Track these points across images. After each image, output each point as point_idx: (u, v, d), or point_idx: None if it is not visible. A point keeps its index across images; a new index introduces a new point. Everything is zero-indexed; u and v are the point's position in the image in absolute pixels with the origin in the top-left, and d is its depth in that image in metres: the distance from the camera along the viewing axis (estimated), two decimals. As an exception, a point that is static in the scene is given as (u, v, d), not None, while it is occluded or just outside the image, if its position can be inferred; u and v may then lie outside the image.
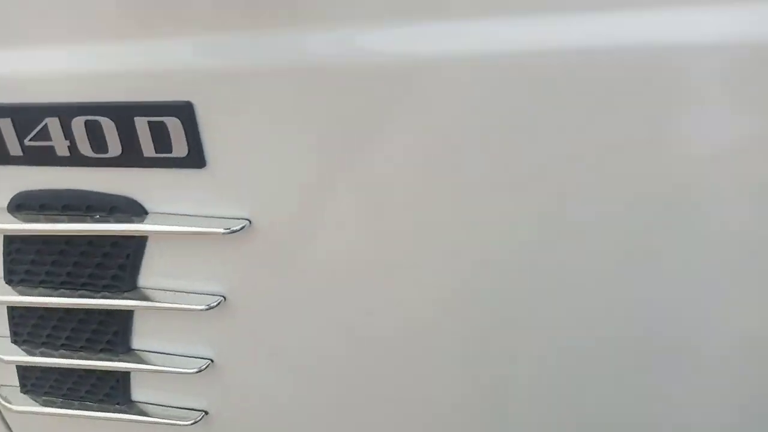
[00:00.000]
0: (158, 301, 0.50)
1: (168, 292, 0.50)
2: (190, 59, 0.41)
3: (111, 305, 0.51)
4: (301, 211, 0.45)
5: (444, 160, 0.42)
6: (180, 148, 0.43)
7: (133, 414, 0.57)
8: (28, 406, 0.61)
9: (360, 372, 0.54)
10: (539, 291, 0.46)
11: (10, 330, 0.57)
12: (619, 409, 0.52)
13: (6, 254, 0.52)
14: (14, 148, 0.46)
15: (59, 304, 0.52)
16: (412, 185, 0.43)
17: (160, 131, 0.42)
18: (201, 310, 0.49)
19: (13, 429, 0.68)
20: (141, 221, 0.46)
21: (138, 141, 0.43)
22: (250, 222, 0.45)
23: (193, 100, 0.41)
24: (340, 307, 0.50)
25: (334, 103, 0.41)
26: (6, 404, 0.61)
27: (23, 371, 0.60)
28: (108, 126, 0.43)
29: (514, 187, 0.42)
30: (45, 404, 0.60)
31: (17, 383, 0.62)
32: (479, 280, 0.47)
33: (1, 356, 0.57)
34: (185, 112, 0.42)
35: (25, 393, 0.61)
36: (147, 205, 0.46)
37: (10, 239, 0.51)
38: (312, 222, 0.45)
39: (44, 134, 0.45)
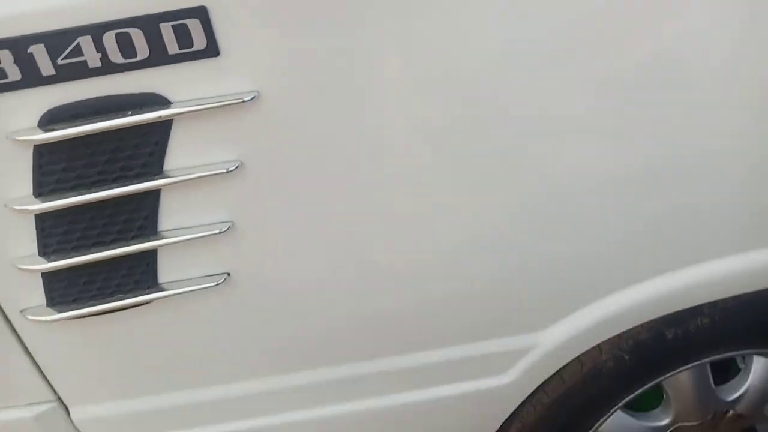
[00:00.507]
0: (184, 175, 0.63)
1: (192, 167, 0.63)
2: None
3: (142, 188, 0.63)
4: (306, 85, 0.60)
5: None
6: (199, 42, 0.56)
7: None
8: (57, 314, 0.70)
9: (371, 236, 0.71)
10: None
11: (39, 243, 0.65)
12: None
13: (37, 168, 0.61)
14: (47, 69, 0.56)
15: (94, 198, 0.62)
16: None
17: (182, 31, 0.56)
18: (222, 173, 0.63)
19: (36, 357, 0.75)
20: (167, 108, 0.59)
21: (164, 42, 0.56)
22: (259, 93, 0.60)
23: (207, 4, 0.55)
24: (348, 173, 0.66)
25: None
26: (36, 318, 0.70)
27: (50, 284, 0.69)
28: (137, 34, 0.55)
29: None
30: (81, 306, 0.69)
31: (42, 302, 0.70)
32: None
33: (33, 266, 0.66)
34: (202, 13, 0.55)
35: (52, 306, 0.70)
36: (171, 97, 0.59)
37: (40, 152, 0.60)
38: (317, 95, 0.61)
39: (77, 52, 0.55)
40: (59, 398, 0.80)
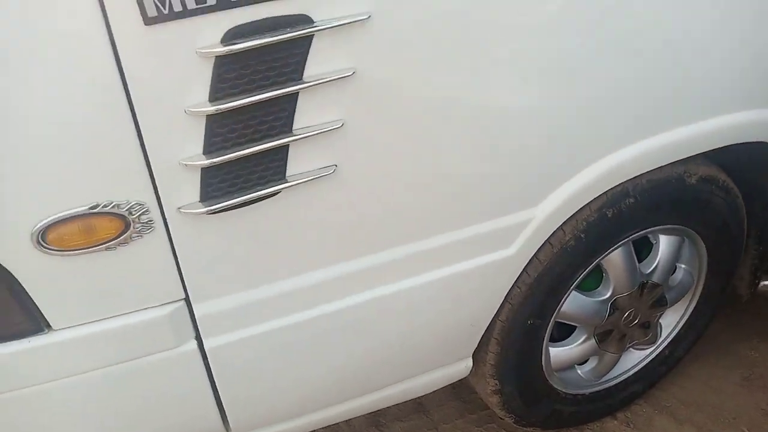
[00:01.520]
0: (316, 81, 0.86)
1: (320, 74, 0.86)
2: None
3: (288, 92, 0.84)
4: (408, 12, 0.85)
5: None
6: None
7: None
8: (207, 207, 0.87)
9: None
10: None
11: (205, 143, 0.84)
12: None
13: (216, 76, 0.81)
14: (233, -6, 0.77)
15: (255, 100, 0.83)
16: None
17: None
18: (343, 77, 0.86)
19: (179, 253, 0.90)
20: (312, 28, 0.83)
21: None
22: (371, 15, 0.85)
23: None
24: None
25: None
26: (191, 211, 0.87)
27: (206, 179, 0.86)
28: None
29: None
30: (228, 199, 0.88)
31: (196, 199, 0.87)
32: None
33: (198, 162, 0.84)
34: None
35: (204, 201, 0.88)
36: (314, 17, 0.83)
37: (221, 63, 0.80)
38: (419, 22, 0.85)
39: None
40: (187, 297, 0.95)
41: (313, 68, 0.86)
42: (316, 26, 0.83)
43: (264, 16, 0.80)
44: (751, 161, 1.38)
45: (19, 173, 0.80)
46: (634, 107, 1.11)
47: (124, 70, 0.78)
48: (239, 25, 0.80)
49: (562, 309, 1.37)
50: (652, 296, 1.48)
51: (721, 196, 1.38)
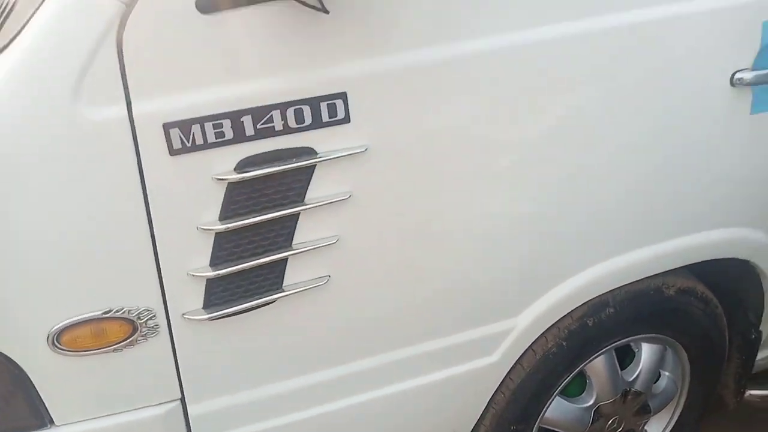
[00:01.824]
0: (315, 203, 0.95)
1: (319, 197, 0.96)
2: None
3: (291, 213, 0.94)
4: (398, 147, 0.97)
5: None
6: (341, 113, 0.92)
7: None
8: (209, 314, 0.95)
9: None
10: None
11: (212, 256, 0.92)
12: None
13: (228, 199, 0.90)
14: (249, 131, 0.88)
15: (260, 220, 0.92)
16: None
17: (332, 107, 0.91)
18: (340, 200, 0.96)
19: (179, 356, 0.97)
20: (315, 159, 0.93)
21: (321, 113, 0.91)
22: (368, 147, 0.95)
23: (347, 90, 0.92)
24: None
25: None
26: (194, 317, 0.94)
27: (210, 289, 0.94)
28: (306, 109, 0.90)
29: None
30: (228, 307, 0.95)
31: (199, 306, 0.95)
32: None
33: (204, 274, 0.92)
34: (344, 96, 0.92)
35: (206, 308, 0.95)
36: (318, 149, 0.93)
37: (232, 188, 0.90)
38: (408, 153, 0.98)
39: (269, 120, 0.89)
40: (182, 397, 1.01)
41: (314, 192, 0.96)
42: (319, 157, 0.94)
43: (274, 148, 0.91)
44: (730, 274, 1.46)
45: (44, 279, 0.89)
46: (614, 225, 1.21)
47: (147, 191, 0.88)
48: (251, 156, 0.90)
49: (545, 415, 1.41)
50: (636, 404, 1.52)
51: (699, 307, 1.45)
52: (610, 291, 1.30)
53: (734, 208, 1.29)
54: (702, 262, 1.34)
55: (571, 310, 1.27)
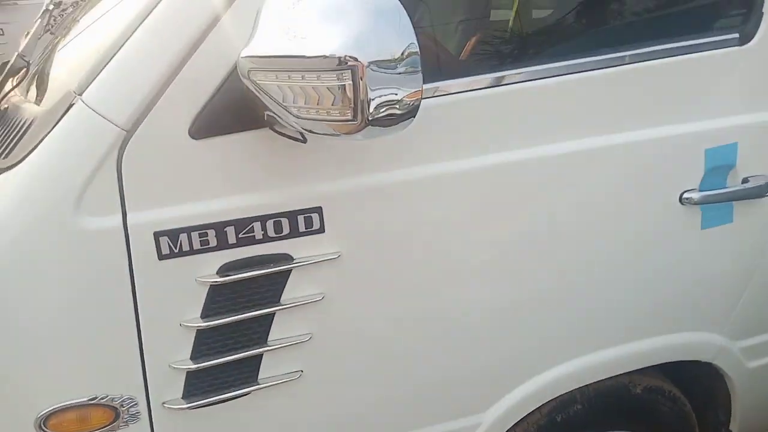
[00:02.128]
0: (291, 304, 1.04)
1: (293, 298, 1.05)
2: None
3: (266, 312, 1.03)
4: (368, 252, 1.08)
5: None
6: (316, 224, 1.03)
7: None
8: (188, 404, 1.02)
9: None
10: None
11: (193, 350, 1.01)
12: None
13: (209, 299, 0.99)
14: (231, 239, 0.98)
15: (239, 318, 1.01)
16: None
17: (308, 219, 1.02)
18: (313, 302, 1.05)
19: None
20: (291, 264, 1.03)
21: (298, 224, 1.01)
22: (341, 254, 1.05)
23: (322, 205, 1.03)
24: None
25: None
26: (173, 407, 1.02)
27: (189, 380, 1.02)
28: (284, 221, 1.00)
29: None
30: (206, 397, 1.03)
31: (178, 395, 1.02)
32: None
33: (185, 366, 1.00)
34: (319, 210, 1.02)
35: (185, 398, 1.03)
36: (294, 255, 1.03)
37: (214, 289, 0.99)
38: (377, 257, 1.08)
39: (250, 230, 0.99)
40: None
41: (289, 293, 1.05)
42: (295, 263, 1.03)
43: (253, 254, 1.01)
44: (697, 374, 1.51)
45: (35, 366, 0.97)
46: (580, 326, 1.28)
47: (136, 290, 0.97)
48: (233, 261, 1.00)
49: None
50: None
51: (667, 405, 1.49)
52: (578, 388, 1.36)
53: (694, 313, 1.37)
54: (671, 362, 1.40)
55: (540, 406, 1.33)
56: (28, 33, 1.53)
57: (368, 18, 0.77)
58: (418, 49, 0.80)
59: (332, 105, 0.79)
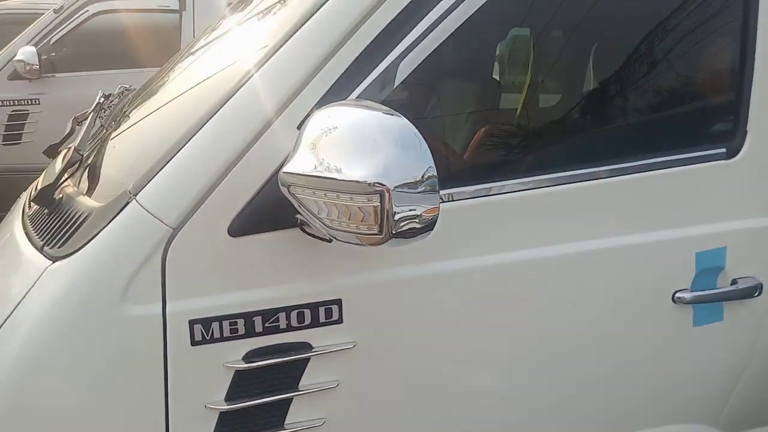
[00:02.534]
0: (307, 390, 1.12)
1: (312, 384, 1.12)
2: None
3: (282, 398, 1.10)
4: (383, 342, 1.17)
5: None
6: (336, 316, 1.11)
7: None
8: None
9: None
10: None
11: (215, 430, 1.08)
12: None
13: (234, 383, 1.07)
14: (259, 328, 1.07)
15: (253, 404, 1.08)
16: None
17: (329, 310, 1.11)
18: (328, 389, 1.13)
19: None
20: (310, 353, 1.11)
21: (319, 315, 1.10)
22: (356, 344, 1.14)
23: (342, 297, 1.12)
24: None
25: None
26: None
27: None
28: (307, 312, 1.09)
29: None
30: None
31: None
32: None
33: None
34: (339, 302, 1.12)
35: None
36: (313, 344, 1.11)
37: (239, 374, 1.07)
38: (391, 347, 1.17)
39: (276, 320, 1.08)
40: None
41: (306, 379, 1.13)
42: (314, 351, 1.12)
43: (277, 342, 1.10)
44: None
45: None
46: (580, 415, 1.35)
47: (168, 372, 1.05)
48: (257, 348, 1.09)
49: None
50: None
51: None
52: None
53: (688, 406, 1.43)
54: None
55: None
56: (77, 119, 1.66)
57: (394, 148, 0.88)
58: (435, 173, 0.92)
59: (362, 221, 0.90)
